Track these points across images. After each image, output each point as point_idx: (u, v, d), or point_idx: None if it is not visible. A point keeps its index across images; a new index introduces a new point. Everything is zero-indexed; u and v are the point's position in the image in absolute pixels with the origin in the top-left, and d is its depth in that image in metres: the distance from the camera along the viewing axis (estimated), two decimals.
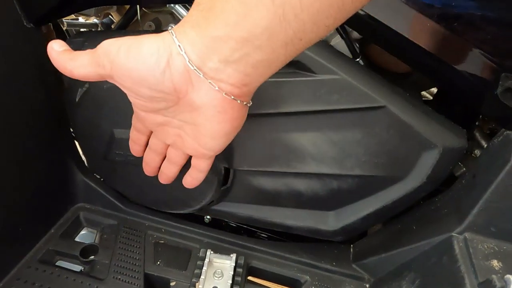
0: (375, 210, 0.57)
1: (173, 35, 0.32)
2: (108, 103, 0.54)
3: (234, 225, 0.82)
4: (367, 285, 0.65)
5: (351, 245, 0.72)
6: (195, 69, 0.32)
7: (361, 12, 0.47)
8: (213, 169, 0.55)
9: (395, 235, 0.64)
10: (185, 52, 0.32)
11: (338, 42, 0.56)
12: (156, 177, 0.60)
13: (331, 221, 0.60)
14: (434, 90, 0.86)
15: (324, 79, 0.48)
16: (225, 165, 0.56)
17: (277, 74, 0.50)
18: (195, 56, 0.32)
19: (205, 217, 0.75)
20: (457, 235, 0.52)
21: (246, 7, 0.29)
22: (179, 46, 0.32)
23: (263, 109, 0.51)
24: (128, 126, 0.55)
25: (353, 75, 0.48)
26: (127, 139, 0.56)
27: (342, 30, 0.54)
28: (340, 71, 0.48)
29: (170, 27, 0.65)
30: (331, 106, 0.49)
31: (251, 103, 0.39)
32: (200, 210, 0.65)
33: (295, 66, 0.49)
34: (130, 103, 0.53)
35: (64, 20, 0.85)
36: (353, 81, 0.48)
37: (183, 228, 0.71)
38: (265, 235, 0.82)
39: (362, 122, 0.50)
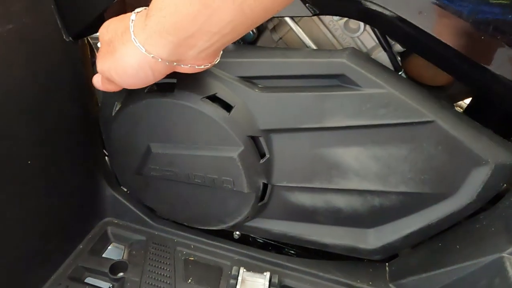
0: (419, 229, 0.54)
1: (142, 49, 0.39)
2: (145, 118, 0.54)
3: (262, 241, 0.80)
4: None
5: (387, 264, 0.69)
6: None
7: (404, 23, 0.46)
8: (252, 185, 0.54)
9: (436, 255, 0.61)
10: (161, 59, 0.39)
11: (380, 55, 0.55)
12: (191, 193, 0.59)
13: (370, 239, 0.58)
14: (464, 103, 0.85)
15: (370, 93, 0.47)
16: (263, 181, 0.55)
17: (321, 88, 0.50)
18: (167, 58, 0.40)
19: (234, 233, 0.74)
20: (509, 255, 0.50)
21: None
22: (152, 57, 0.39)
23: (306, 123, 0.50)
24: (165, 140, 0.54)
25: (400, 89, 0.47)
26: (164, 154, 0.55)
27: (385, 42, 0.54)
28: (387, 85, 0.47)
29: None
30: (377, 121, 0.48)
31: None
32: (233, 227, 0.64)
33: (339, 79, 0.49)
34: (167, 117, 0.53)
35: None
36: (401, 95, 0.47)
37: (212, 245, 0.70)
38: (293, 252, 0.80)
39: (409, 138, 0.49)
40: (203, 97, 0.50)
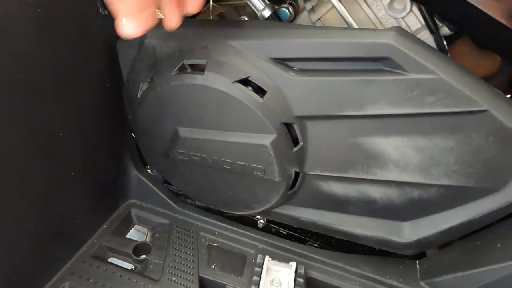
0: (459, 224, 0.51)
1: None
2: (173, 101, 0.52)
3: (285, 232, 0.78)
4: None
5: (417, 262, 0.66)
6: None
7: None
8: (283, 173, 0.52)
9: (474, 253, 0.58)
10: None
11: (426, 38, 0.51)
12: (219, 178, 0.57)
13: (405, 233, 0.55)
14: None
15: (418, 79, 0.44)
16: (296, 169, 0.52)
17: (362, 72, 0.47)
18: None
19: (258, 221, 0.72)
20: None
21: None
22: None
23: (344, 110, 0.47)
24: (194, 125, 0.53)
25: (451, 75, 0.43)
26: (192, 139, 0.54)
27: (432, 24, 0.50)
28: (437, 70, 0.43)
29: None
30: (424, 109, 0.44)
31: None
32: (260, 213, 0.62)
33: (383, 63, 0.45)
34: (196, 101, 0.51)
35: None
36: (452, 81, 0.43)
37: (236, 232, 0.68)
38: (317, 245, 0.78)
39: (457, 128, 0.45)
40: (235, 81, 0.47)
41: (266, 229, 0.74)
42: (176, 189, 0.72)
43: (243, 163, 0.52)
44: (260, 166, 0.51)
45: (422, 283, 0.62)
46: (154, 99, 0.53)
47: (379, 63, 0.46)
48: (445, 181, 0.48)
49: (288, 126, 0.49)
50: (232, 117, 0.49)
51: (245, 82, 0.48)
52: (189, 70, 0.51)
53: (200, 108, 0.50)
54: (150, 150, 0.61)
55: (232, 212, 0.64)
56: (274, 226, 0.77)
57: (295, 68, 0.49)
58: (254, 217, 0.73)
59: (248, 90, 0.47)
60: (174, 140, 0.55)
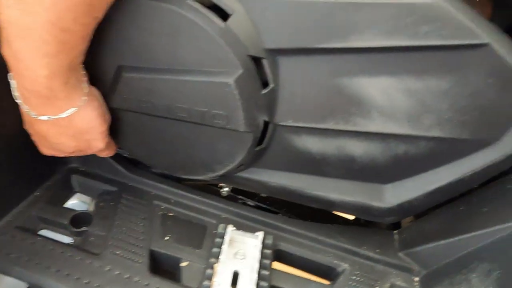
0: (447, 184, 0.46)
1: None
2: (114, 28, 0.41)
3: (253, 204, 0.70)
4: (416, 278, 0.55)
5: (394, 232, 0.61)
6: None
7: None
8: (250, 122, 0.43)
9: (456, 219, 0.53)
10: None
11: None
12: (174, 132, 0.48)
13: (387, 196, 0.49)
14: None
15: (413, 3, 0.36)
16: (265, 118, 0.44)
17: None
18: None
19: (222, 190, 0.63)
20: None
21: None
22: None
23: (325, 42, 0.39)
24: (140, 59, 0.42)
25: (450, 1, 0.37)
26: (138, 78, 0.43)
27: None
28: None
29: None
30: (418, 41, 0.37)
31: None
32: (222, 177, 0.53)
33: None
34: (142, 27, 0.40)
35: None
36: (452, 8, 0.36)
37: (196, 200, 0.59)
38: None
39: (454, 66, 0.39)
40: None
41: (231, 200, 0.65)
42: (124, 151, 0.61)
43: (201, 109, 0.43)
44: (222, 113, 0.42)
45: (400, 254, 0.56)
46: None
47: None
48: (436, 132, 0.42)
49: (257, 61, 0.41)
50: (187, 47, 0.40)
51: (205, 1, 0.39)
52: None
53: (147, 37, 0.40)
54: None
55: (190, 177, 0.54)
56: (241, 197, 0.69)
57: None
58: (217, 186, 0.64)
59: (208, 12, 0.38)
60: (116, 81, 0.45)
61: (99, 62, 0.44)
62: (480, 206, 0.51)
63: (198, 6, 0.38)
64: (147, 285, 0.47)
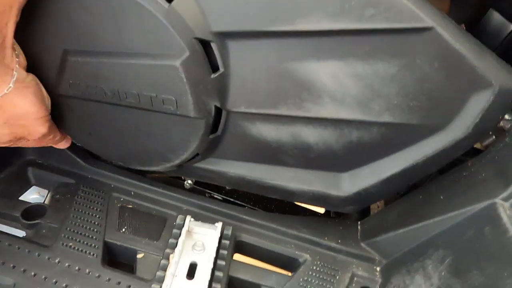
0: (401, 170, 0.45)
1: None
2: (59, 11, 0.39)
3: (220, 198, 0.69)
4: (378, 268, 0.55)
5: (359, 222, 0.61)
6: None
7: None
8: (200, 107, 0.42)
9: (415, 208, 0.53)
10: None
11: None
12: (124, 120, 0.46)
13: (344, 185, 0.49)
14: None
15: None
16: (216, 104, 0.43)
17: None
18: None
19: (185, 182, 0.62)
20: (502, 201, 0.42)
21: None
22: None
23: (270, 25, 0.38)
24: (87, 43, 0.41)
25: None
26: (84, 62, 0.42)
27: None
28: None
29: None
30: (363, 24, 0.37)
31: None
32: (180, 169, 0.52)
33: None
34: (87, 9, 0.38)
35: None
36: None
37: (157, 192, 0.58)
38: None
39: (400, 50, 0.38)
40: None
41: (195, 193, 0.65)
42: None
43: (150, 94, 0.42)
44: (171, 97, 0.41)
45: (362, 244, 0.56)
46: (33, 9, 0.39)
47: None
48: (386, 118, 0.42)
49: (205, 44, 0.40)
50: (132, 30, 0.39)
51: None
52: None
53: (91, 19, 0.39)
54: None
55: (145, 168, 0.53)
56: (208, 191, 0.68)
57: None
58: (181, 179, 0.63)
59: None
60: (62, 66, 0.43)
61: (45, 47, 0.43)
62: (438, 194, 0.51)
63: None
64: (98, 276, 0.46)
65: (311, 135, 0.46)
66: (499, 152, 0.46)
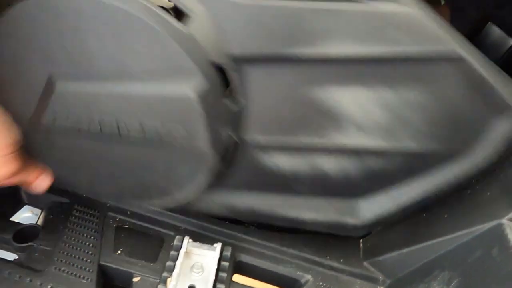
0: (421, 196, 0.44)
1: None
2: (43, 27, 0.35)
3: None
4: None
5: (361, 240, 0.59)
6: None
7: None
8: (214, 138, 0.39)
9: (419, 227, 0.52)
10: None
11: None
12: (122, 155, 0.42)
13: (361, 212, 0.47)
14: None
15: (389, 12, 0.35)
16: (231, 134, 0.41)
17: None
18: None
19: None
20: (509, 222, 0.41)
21: None
22: None
23: (292, 48, 0.36)
24: (79, 69, 0.37)
25: (427, 11, 0.35)
26: (76, 93, 0.37)
27: None
28: (412, 3, 0.34)
29: None
30: (392, 51, 0.36)
31: None
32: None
33: None
34: (82, 28, 0.34)
35: None
36: (427, 18, 0.35)
37: (154, 211, 0.56)
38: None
39: (429, 77, 0.37)
40: None
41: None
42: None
43: (156, 126, 0.38)
44: (181, 129, 0.38)
45: (365, 263, 0.55)
46: (11, 25, 0.35)
47: None
48: (409, 145, 0.40)
49: (222, 71, 0.37)
50: (140, 54, 0.35)
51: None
52: None
53: (89, 41, 0.35)
54: (14, 113, 0.40)
55: (143, 205, 0.50)
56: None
57: None
58: None
59: (163, 11, 0.34)
60: (47, 95, 0.38)
61: (21, 71, 0.38)
62: (442, 213, 0.50)
63: (151, 5, 0.34)
64: None
65: (329, 163, 0.43)
66: (505, 171, 0.45)
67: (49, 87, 0.38)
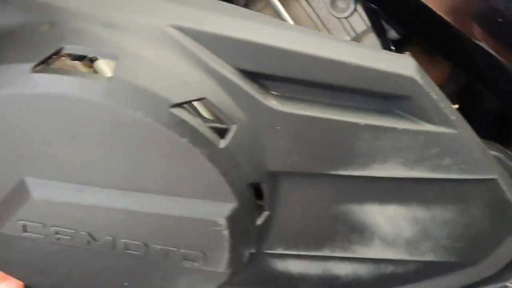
0: None
1: None
2: (16, 130, 0.25)
3: None
4: None
5: None
6: None
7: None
8: (234, 259, 0.31)
9: None
10: None
11: (372, 42, 0.43)
12: (112, 270, 0.32)
13: None
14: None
15: (439, 133, 0.31)
16: (252, 251, 0.33)
17: (376, 114, 0.32)
18: None
19: None
20: None
21: None
22: None
23: (335, 170, 0.31)
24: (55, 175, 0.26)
25: (470, 133, 0.33)
26: (62, 204, 0.27)
27: (378, 27, 0.42)
28: (459, 124, 0.32)
29: None
30: (437, 173, 0.32)
31: None
32: None
33: (399, 104, 0.31)
34: (83, 134, 0.25)
35: None
36: (472, 141, 0.33)
37: None
38: None
39: (459, 197, 0.36)
40: (177, 104, 0.24)
41: None
42: None
43: (165, 248, 0.29)
44: (199, 253, 0.30)
45: None
46: None
47: (392, 102, 0.31)
48: (429, 257, 0.39)
49: (257, 187, 0.29)
50: (158, 170, 0.26)
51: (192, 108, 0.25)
52: (71, 68, 0.24)
53: (88, 147, 0.25)
54: None
55: None
56: None
57: (274, 93, 0.29)
58: None
59: (201, 124, 0.25)
60: (15, 201, 0.27)
61: None
62: None
63: (187, 116, 0.24)
64: None
65: (343, 269, 0.39)
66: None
67: (19, 194, 0.27)
